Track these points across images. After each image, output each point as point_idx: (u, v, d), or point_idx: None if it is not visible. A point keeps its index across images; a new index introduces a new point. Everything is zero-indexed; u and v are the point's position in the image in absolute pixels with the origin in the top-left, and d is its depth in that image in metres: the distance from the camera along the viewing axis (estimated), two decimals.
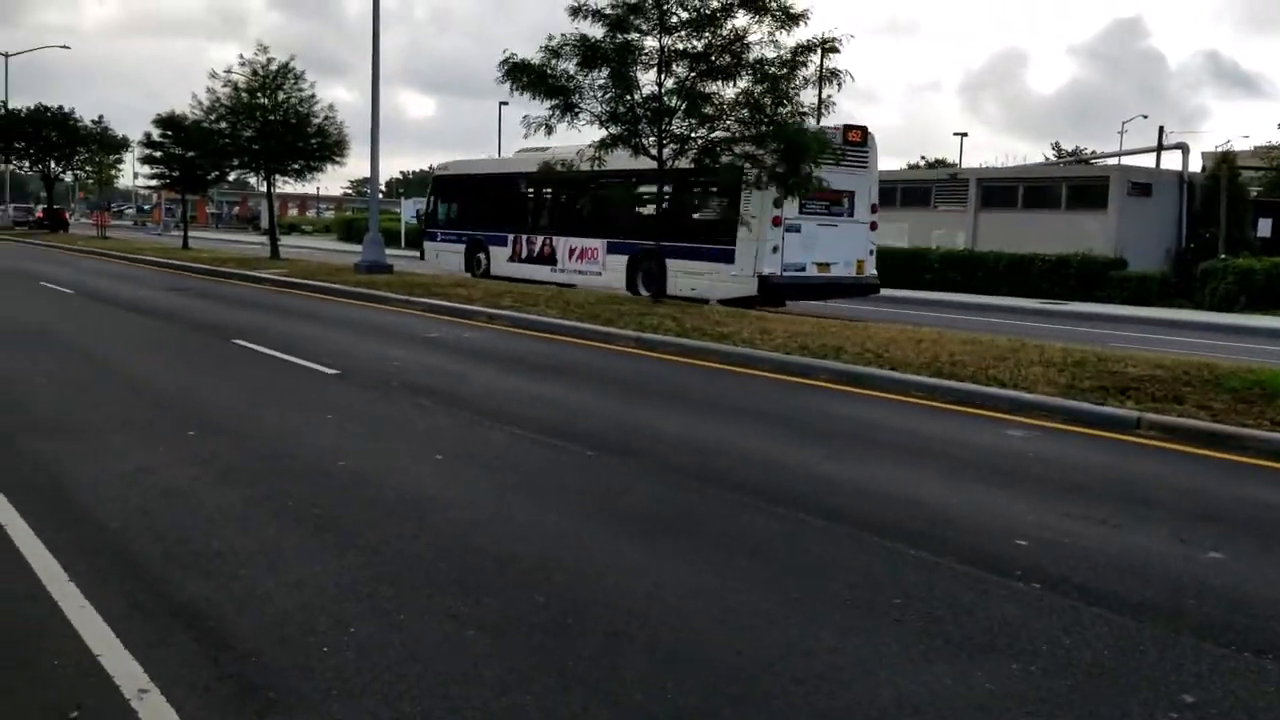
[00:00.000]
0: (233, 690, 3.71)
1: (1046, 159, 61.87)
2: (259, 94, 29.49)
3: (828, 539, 5.68)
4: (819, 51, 17.51)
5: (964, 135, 67.58)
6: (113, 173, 74.19)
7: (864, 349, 12.09)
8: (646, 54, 17.09)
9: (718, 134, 17.35)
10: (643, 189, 20.09)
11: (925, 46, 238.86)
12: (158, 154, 36.47)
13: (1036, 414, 9.18)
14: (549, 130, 17.42)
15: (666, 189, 18.45)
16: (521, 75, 17.16)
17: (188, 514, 5.72)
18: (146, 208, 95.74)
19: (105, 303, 17.89)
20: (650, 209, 19.66)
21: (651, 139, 17.51)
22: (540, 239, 23.42)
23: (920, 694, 3.82)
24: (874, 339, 13.00)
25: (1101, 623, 4.54)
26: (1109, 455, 7.97)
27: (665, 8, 16.78)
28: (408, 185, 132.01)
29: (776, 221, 18.40)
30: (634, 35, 17.04)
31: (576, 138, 18.82)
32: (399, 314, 17.35)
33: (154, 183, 41.04)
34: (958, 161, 61.27)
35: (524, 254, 23.94)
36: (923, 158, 71.38)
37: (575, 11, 16.97)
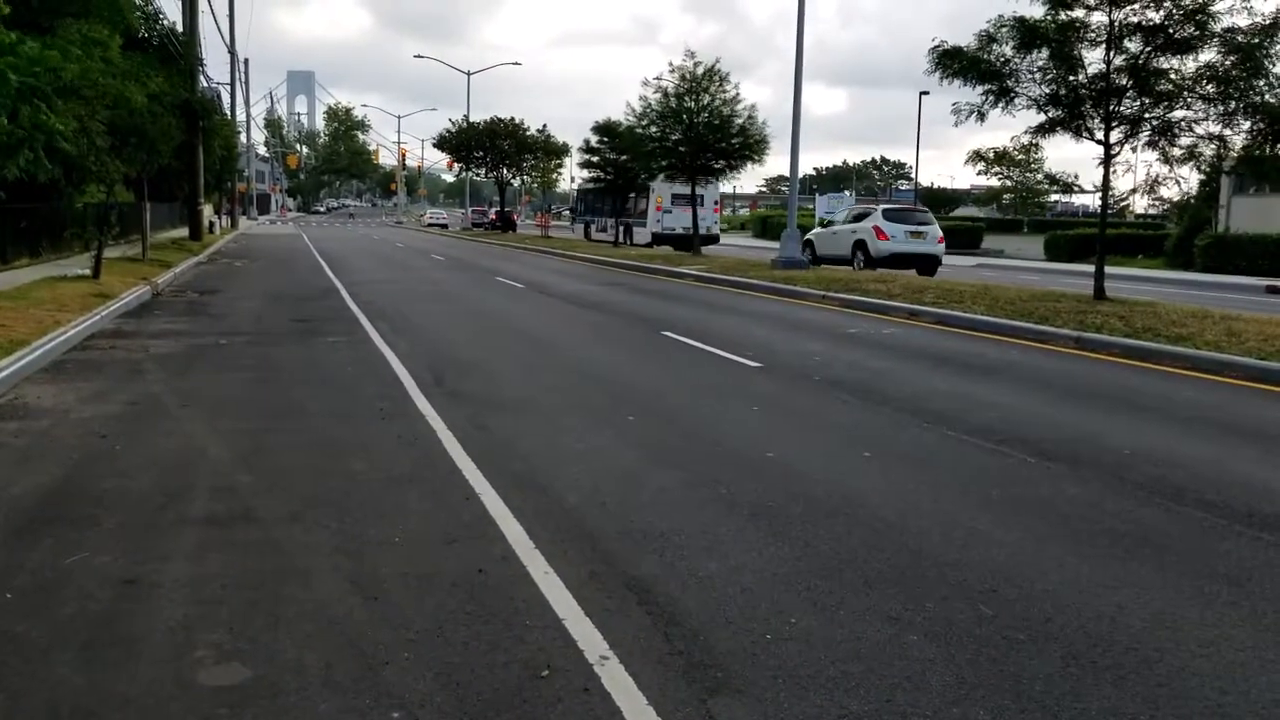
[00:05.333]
0: (683, 666, 3.81)
1: None
2: (686, 98, 30.89)
3: None
4: None
5: None
6: (554, 176, 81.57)
7: None
8: (1093, 30, 15.75)
9: (1177, 113, 15.62)
10: (631, 194, 41.86)
11: None
12: (594, 158, 39.54)
13: None
14: (981, 117, 16.61)
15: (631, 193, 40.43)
16: (952, 62, 16.50)
17: (633, 493, 6.03)
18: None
19: (550, 296, 19.59)
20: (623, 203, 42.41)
21: (1096, 121, 16.13)
22: (601, 219, 46.60)
23: None
24: None
25: None
26: None
27: None
28: (821, 181, 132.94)
29: (659, 208, 39.77)
30: (1079, 12, 15.78)
31: (1010, 124, 18.34)
32: (816, 309, 17.41)
33: (590, 185, 44.47)
34: None
35: (597, 227, 47.40)
36: None
37: None
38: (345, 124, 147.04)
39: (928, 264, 25.75)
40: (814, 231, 30.28)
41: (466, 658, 3.84)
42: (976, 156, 75.05)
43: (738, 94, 31.12)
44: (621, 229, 43.00)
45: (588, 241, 45.68)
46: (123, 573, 4.64)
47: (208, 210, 41.70)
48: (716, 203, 42.49)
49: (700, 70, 30.84)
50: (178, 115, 25.05)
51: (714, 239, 40.83)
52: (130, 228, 28.06)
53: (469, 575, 4.65)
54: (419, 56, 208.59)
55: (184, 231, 36.95)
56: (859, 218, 27.50)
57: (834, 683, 3.70)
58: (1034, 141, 16.91)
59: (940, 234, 26.69)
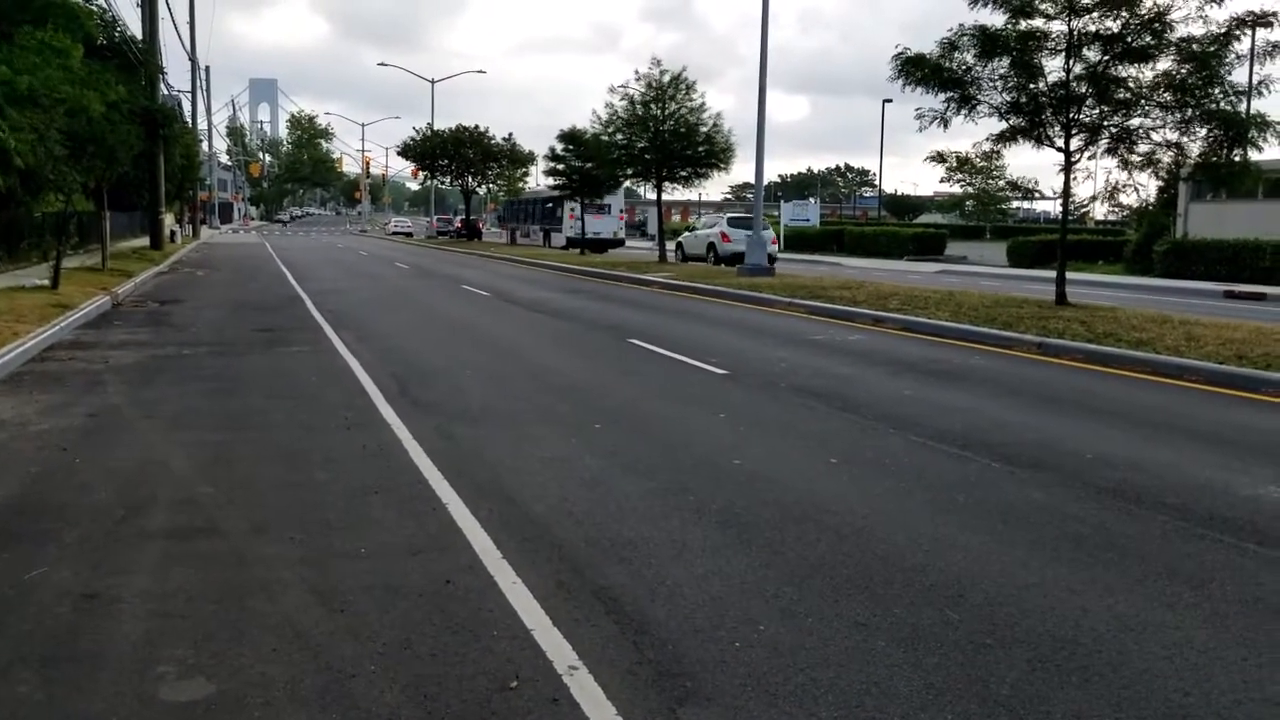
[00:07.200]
0: (652, 675, 3.80)
1: None
2: (653, 105, 30.95)
3: None
4: (1252, 27, 15.50)
5: None
6: (520, 185, 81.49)
7: None
8: (1053, 39, 15.97)
9: (1135, 121, 15.86)
10: (550, 205, 48.92)
11: None
12: (560, 166, 39.48)
13: None
14: (944, 124, 16.79)
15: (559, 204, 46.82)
16: (915, 69, 16.66)
17: (600, 502, 6.01)
18: None
19: (515, 304, 19.53)
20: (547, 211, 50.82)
21: (1056, 129, 16.35)
22: (526, 226, 56.22)
23: None
24: None
25: None
26: None
27: None
28: (786, 188, 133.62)
29: (572, 217, 44.93)
30: (1038, 20, 16.00)
31: (973, 130, 18.78)
32: (781, 316, 17.48)
33: (556, 193, 44.40)
34: None
35: (521, 233, 56.62)
36: None
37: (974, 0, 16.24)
38: (308, 132, 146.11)
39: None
40: (683, 235, 39.37)
41: (434, 669, 3.81)
42: (939, 157, 75.65)
43: (704, 102, 31.28)
44: (543, 234, 52.23)
45: (514, 245, 55.45)
46: (83, 587, 4.57)
47: (169, 219, 41.20)
48: (622, 211, 49.31)
49: (666, 78, 30.94)
50: (137, 123, 24.76)
51: (620, 243, 48.60)
52: (90, 237, 27.70)
53: (436, 586, 4.62)
54: (382, 64, 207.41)
55: (145, 241, 36.54)
56: (711, 225, 36.09)
57: (803, 690, 3.70)
58: (996, 149, 17.08)
59: (774, 237, 33.29)
